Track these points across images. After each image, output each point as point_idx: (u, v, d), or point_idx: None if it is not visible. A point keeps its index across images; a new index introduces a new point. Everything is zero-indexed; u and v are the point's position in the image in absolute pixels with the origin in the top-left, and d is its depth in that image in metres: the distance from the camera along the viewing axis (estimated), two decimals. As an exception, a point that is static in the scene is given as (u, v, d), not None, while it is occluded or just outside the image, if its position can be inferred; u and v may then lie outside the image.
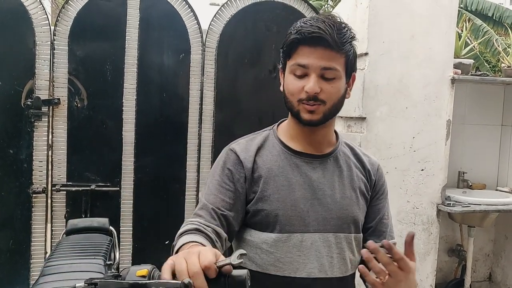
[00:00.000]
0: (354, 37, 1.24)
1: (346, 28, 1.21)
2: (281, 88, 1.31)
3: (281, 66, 1.32)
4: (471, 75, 2.87)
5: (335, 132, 1.36)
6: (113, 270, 1.19)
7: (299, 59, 1.20)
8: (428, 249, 2.71)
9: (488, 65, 7.58)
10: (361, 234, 1.30)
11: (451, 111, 2.69)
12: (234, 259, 0.84)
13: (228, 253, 1.25)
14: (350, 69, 1.25)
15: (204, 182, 2.53)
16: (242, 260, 0.85)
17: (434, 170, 2.67)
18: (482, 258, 3.36)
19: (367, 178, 1.34)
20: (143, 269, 0.90)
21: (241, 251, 0.86)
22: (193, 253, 0.85)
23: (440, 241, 2.87)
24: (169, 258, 0.88)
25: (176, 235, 1.17)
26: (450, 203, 2.70)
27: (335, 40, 1.16)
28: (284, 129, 1.35)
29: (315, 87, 1.17)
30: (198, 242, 1.07)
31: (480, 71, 3.59)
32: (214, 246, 1.15)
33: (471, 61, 2.94)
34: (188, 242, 1.06)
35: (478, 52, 6.81)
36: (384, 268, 1.02)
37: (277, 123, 1.39)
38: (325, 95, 1.19)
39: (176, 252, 1.06)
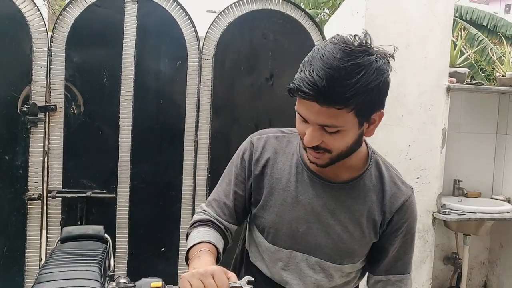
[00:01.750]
0: (374, 81, 1.01)
1: (362, 72, 0.99)
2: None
3: None
4: (466, 83, 2.89)
5: (368, 153, 1.22)
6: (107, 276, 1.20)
7: (299, 108, 1.06)
8: (423, 257, 2.71)
9: (483, 73, 7.63)
10: (359, 263, 1.25)
11: (446, 120, 2.70)
12: (244, 283, 0.93)
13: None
14: (368, 114, 1.06)
15: (201, 189, 2.53)
16: (252, 286, 0.94)
17: (429, 178, 2.68)
18: (477, 266, 3.36)
19: (383, 211, 1.20)
20: (157, 282, 0.94)
21: (249, 277, 0.95)
22: (208, 275, 0.94)
23: (436, 249, 2.88)
24: (183, 278, 0.95)
25: (190, 223, 1.26)
26: (445, 211, 2.71)
27: (332, 98, 0.98)
28: None
29: (312, 142, 1.06)
30: (210, 242, 1.13)
31: (475, 79, 3.62)
32: (224, 236, 1.23)
33: (466, 70, 2.96)
34: (201, 242, 1.13)
35: (473, 61, 6.86)
36: None
37: None
38: (328, 145, 1.07)
39: (189, 249, 1.14)
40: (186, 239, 1.22)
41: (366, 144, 1.22)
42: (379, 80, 1.02)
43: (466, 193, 3.12)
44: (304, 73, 1.01)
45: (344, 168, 1.18)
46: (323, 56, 1.00)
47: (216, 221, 1.23)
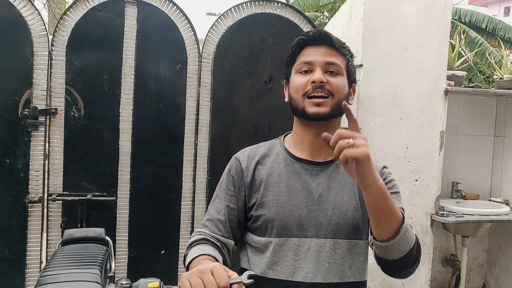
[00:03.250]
0: (352, 54, 1.33)
1: (344, 42, 1.32)
2: (286, 99, 1.35)
3: (285, 80, 1.37)
4: (464, 86, 2.91)
5: None
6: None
7: (304, 58, 1.27)
8: (422, 259, 2.70)
9: (483, 76, 7.66)
10: (366, 240, 1.30)
11: (444, 122, 2.72)
12: (244, 278, 0.93)
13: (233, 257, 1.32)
14: (351, 77, 1.32)
15: (200, 191, 2.55)
16: (252, 280, 0.94)
17: (428, 180, 2.70)
18: (476, 268, 3.38)
19: None
20: (155, 282, 0.95)
21: (250, 272, 0.95)
22: (207, 272, 0.93)
23: (434, 251, 2.89)
24: (183, 277, 0.95)
25: (186, 246, 1.27)
26: (444, 213, 2.72)
27: (337, 42, 1.27)
28: (290, 138, 1.38)
29: (321, 77, 1.23)
30: (208, 254, 1.15)
31: (473, 82, 3.65)
32: (221, 253, 1.24)
33: (464, 73, 2.98)
34: (199, 255, 1.15)
35: (472, 63, 6.88)
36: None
37: (284, 134, 1.42)
38: (332, 87, 1.24)
39: (189, 264, 1.15)
40: (184, 263, 1.23)
41: None
42: (353, 54, 1.33)
43: (465, 195, 3.13)
44: (303, 33, 1.29)
45: (329, 148, 1.27)
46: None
47: (212, 239, 1.25)
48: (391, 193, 1.30)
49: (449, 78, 2.78)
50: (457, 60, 3.03)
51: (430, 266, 2.76)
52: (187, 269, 1.15)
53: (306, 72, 1.26)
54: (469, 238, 3.04)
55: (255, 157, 1.33)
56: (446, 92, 2.69)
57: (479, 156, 3.25)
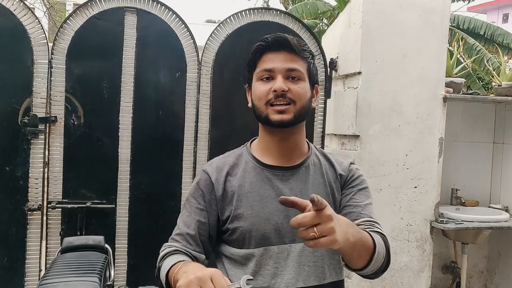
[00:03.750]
0: (313, 53, 1.33)
1: (306, 44, 1.31)
2: (249, 104, 1.34)
3: (247, 85, 1.35)
4: (463, 93, 2.92)
5: (307, 141, 1.38)
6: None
7: (264, 65, 1.25)
8: (422, 266, 2.72)
9: (481, 82, 7.67)
10: None
11: (443, 129, 2.72)
12: (243, 284, 0.92)
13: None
14: (313, 79, 1.31)
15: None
16: (251, 285, 0.93)
17: (427, 187, 2.70)
18: (476, 275, 3.37)
19: (339, 179, 1.34)
20: None
21: (248, 276, 0.94)
22: (206, 279, 0.92)
23: (434, 258, 2.89)
24: (181, 286, 0.93)
25: (159, 259, 1.25)
26: (443, 220, 2.72)
27: (297, 46, 1.25)
28: (256, 144, 1.37)
29: (282, 85, 1.22)
30: (186, 261, 1.13)
31: (471, 89, 3.66)
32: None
33: (463, 79, 2.99)
34: (178, 262, 1.13)
35: (471, 70, 6.90)
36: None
37: (250, 140, 1.41)
38: (293, 95, 1.23)
39: (168, 271, 1.13)
40: (157, 275, 1.21)
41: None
42: (313, 55, 1.32)
43: (464, 202, 3.13)
44: (262, 38, 1.27)
45: (296, 152, 1.33)
46: (272, 34, 1.28)
47: (183, 251, 1.23)
48: (360, 189, 1.34)
49: (447, 85, 2.79)
50: (456, 67, 3.04)
51: (430, 273, 2.75)
52: (167, 279, 1.13)
53: (267, 79, 1.25)
54: (469, 245, 3.04)
55: (224, 169, 1.31)
56: (445, 99, 2.70)
57: (478, 162, 3.25)
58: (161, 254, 1.25)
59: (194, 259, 1.23)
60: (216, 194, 1.28)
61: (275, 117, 1.24)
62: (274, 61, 1.25)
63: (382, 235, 1.21)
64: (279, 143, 1.30)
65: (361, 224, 1.24)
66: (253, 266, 1.24)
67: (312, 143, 2.55)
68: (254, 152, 1.34)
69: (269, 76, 1.25)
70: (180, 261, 1.13)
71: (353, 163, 1.40)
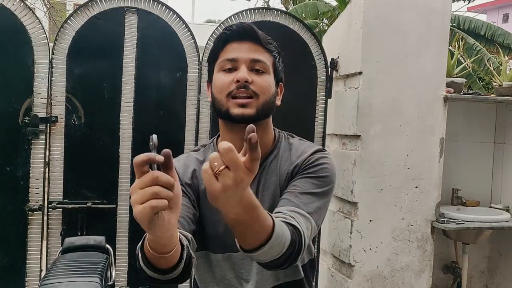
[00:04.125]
0: (279, 50, 1.26)
1: (270, 38, 1.25)
2: (209, 99, 1.28)
3: (207, 79, 1.29)
4: (463, 93, 2.92)
5: (276, 133, 1.31)
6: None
7: (227, 54, 1.18)
8: (423, 266, 2.72)
9: (482, 82, 7.68)
10: None
11: (444, 129, 2.72)
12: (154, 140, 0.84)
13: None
14: (278, 75, 1.24)
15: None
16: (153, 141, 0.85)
17: (428, 187, 2.70)
18: (477, 275, 3.37)
19: (293, 171, 1.22)
20: None
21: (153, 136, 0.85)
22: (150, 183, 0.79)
23: (435, 258, 2.89)
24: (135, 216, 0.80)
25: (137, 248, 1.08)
26: (444, 220, 2.72)
27: (263, 38, 1.19)
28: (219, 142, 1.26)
29: (245, 75, 1.14)
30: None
31: (472, 89, 3.66)
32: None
33: (463, 80, 2.99)
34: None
35: (471, 70, 6.90)
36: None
37: (217, 135, 1.33)
38: (257, 87, 1.16)
39: (142, 247, 0.99)
40: (138, 264, 1.06)
41: (275, 129, 1.33)
42: (279, 50, 1.25)
43: (465, 202, 3.13)
44: (230, 26, 1.19)
45: (260, 149, 1.21)
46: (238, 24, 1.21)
47: None
48: (310, 176, 1.17)
49: (448, 85, 2.78)
50: (456, 67, 3.04)
51: (431, 273, 2.75)
52: (145, 261, 0.98)
53: (230, 70, 1.17)
54: (469, 245, 3.04)
55: (191, 165, 1.24)
56: (446, 99, 2.70)
57: (479, 162, 3.25)
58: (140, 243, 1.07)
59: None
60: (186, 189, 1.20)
61: (236, 110, 1.15)
62: (238, 50, 1.17)
63: (294, 228, 1.03)
64: (240, 143, 1.09)
65: (281, 213, 1.08)
66: (218, 271, 1.22)
67: (314, 143, 2.58)
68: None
69: (232, 67, 1.17)
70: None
71: (321, 151, 1.25)
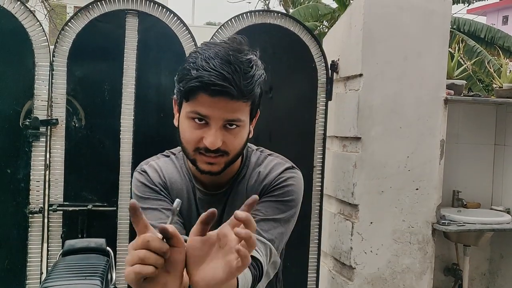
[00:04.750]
0: (263, 75, 1.11)
1: (254, 67, 1.08)
2: (175, 122, 1.17)
3: (175, 96, 1.15)
4: (464, 95, 2.92)
5: (247, 150, 1.25)
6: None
7: (198, 108, 1.04)
8: (424, 268, 2.72)
9: (481, 84, 7.68)
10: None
11: (444, 131, 2.72)
12: (175, 206, 0.83)
13: None
14: (255, 111, 1.16)
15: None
16: (180, 201, 0.83)
17: (428, 189, 2.70)
18: (478, 277, 3.36)
19: (263, 186, 1.19)
20: None
21: (179, 200, 0.84)
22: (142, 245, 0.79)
23: (436, 260, 2.88)
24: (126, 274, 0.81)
25: None
26: (445, 222, 2.72)
27: (241, 90, 1.02)
28: None
29: (216, 142, 1.05)
30: None
31: (472, 91, 3.66)
32: None
33: (464, 82, 2.99)
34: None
35: (471, 72, 6.91)
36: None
37: None
38: (228, 147, 1.08)
39: None
40: None
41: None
42: (263, 75, 1.11)
43: (466, 204, 3.13)
44: (204, 70, 1.01)
45: (226, 179, 1.19)
46: (216, 54, 1.04)
47: None
48: (274, 200, 1.15)
49: (448, 87, 2.79)
50: (457, 69, 3.04)
51: (431, 276, 2.75)
52: None
53: (200, 121, 1.06)
54: (470, 247, 3.03)
55: (163, 173, 1.21)
56: (446, 101, 2.70)
57: (479, 164, 3.25)
58: None
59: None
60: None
61: (204, 166, 1.10)
62: (211, 107, 1.03)
63: (254, 260, 1.03)
64: (206, 178, 1.18)
65: None
66: None
67: (313, 145, 2.58)
68: (188, 164, 1.21)
69: (202, 119, 1.05)
70: None
71: (290, 169, 1.21)
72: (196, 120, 1.06)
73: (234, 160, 1.13)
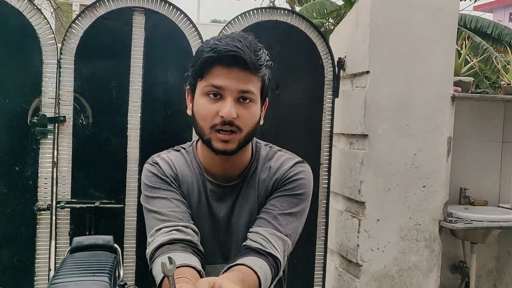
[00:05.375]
0: (269, 61, 1.18)
1: (262, 51, 1.16)
2: (189, 112, 1.23)
3: (189, 86, 1.22)
4: (471, 92, 2.90)
5: (255, 145, 1.30)
6: None
7: (214, 80, 1.11)
8: (431, 266, 2.71)
9: (488, 81, 7.64)
10: None
11: (451, 128, 2.71)
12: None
13: None
14: (265, 94, 1.21)
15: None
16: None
17: (435, 186, 2.69)
18: (485, 275, 3.35)
19: (274, 186, 1.24)
20: None
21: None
22: None
23: (443, 257, 2.87)
24: None
25: (151, 249, 1.14)
26: (452, 220, 2.71)
27: (253, 61, 1.10)
28: (200, 150, 1.28)
29: (231, 112, 1.09)
30: (186, 265, 1.03)
31: (480, 88, 3.64)
32: (195, 253, 1.12)
33: (471, 78, 2.97)
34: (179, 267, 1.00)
35: (478, 69, 6.87)
36: None
37: (195, 141, 1.32)
38: (241, 122, 1.12)
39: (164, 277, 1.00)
40: (151, 270, 1.12)
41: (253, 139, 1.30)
42: (270, 62, 1.18)
43: (473, 202, 3.11)
44: (215, 44, 1.10)
45: (238, 168, 1.23)
46: (227, 36, 1.13)
47: (180, 234, 1.13)
48: (287, 194, 1.20)
49: (456, 84, 2.77)
50: (464, 66, 3.03)
51: (439, 273, 2.74)
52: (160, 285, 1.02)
53: (215, 95, 1.11)
54: (478, 244, 3.02)
55: (174, 166, 1.25)
56: (453, 98, 2.69)
57: (487, 162, 3.23)
58: (156, 243, 1.15)
59: (194, 232, 1.15)
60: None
61: (218, 145, 1.13)
62: (225, 78, 1.10)
63: (272, 257, 1.11)
64: (219, 163, 1.21)
65: (259, 234, 1.14)
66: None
67: (320, 143, 2.58)
68: (199, 157, 1.27)
69: (218, 93, 1.11)
70: (184, 265, 1.03)
71: (300, 163, 1.27)
72: (211, 95, 1.11)
73: (247, 139, 1.17)
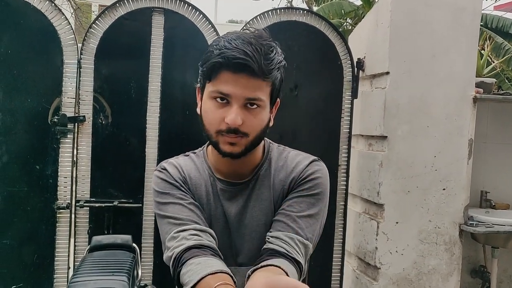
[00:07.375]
0: (282, 61, 1.16)
1: (274, 52, 1.12)
2: (198, 111, 1.22)
3: (199, 85, 1.21)
4: (493, 94, 2.85)
5: (266, 144, 1.29)
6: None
7: (220, 86, 1.09)
8: (451, 270, 2.67)
9: (510, 82, 7.50)
10: None
11: (473, 130, 2.67)
12: None
13: None
14: (275, 97, 1.19)
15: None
16: None
17: (456, 189, 2.64)
18: (506, 280, 3.29)
19: (290, 185, 1.24)
20: None
21: None
22: None
23: (463, 261, 2.83)
24: None
25: (176, 253, 1.13)
26: (473, 223, 2.66)
27: (262, 67, 1.07)
28: (210, 152, 1.28)
29: (237, 120, 1.08)
30: (220, 272, 1.03)
31: (502, 89, 3.57)
32: (220, 257, 1.14)
33: (493, 80, 2.92)
34: (208, 275, 1.01)
35: (499, 70, 6.75)
36: None
37: (206, 145, 1.32)
38: (248, 128, 1.11)
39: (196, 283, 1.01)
40: (176, 272, 1.13)
41: (265, 140, 1.29)
42: (283, 62, 1.15)
43: (494, 205, 3.06)
44: (226, 48, 1.06)
45: (248, 169, 1.23)
46: (238, 37, 1.09)
47: (202, 237, 1.13)
48: (305, 195, 1.18)
49: (477, 85, 2.73)
50: (486, 67, 2.97)
51: (459, 278, 2.70)
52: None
53: (222, 100, 1.10)
54: (499, 249, 2.97)
55: (183, 171, 1.26)
56: (475, 99, 2.64)
57: (508, 164, 3.17)
58: (182, 247, 1.13)
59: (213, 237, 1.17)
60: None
61: (225, 147, 1.14)
62: (232, 85, 1.07)
63: (297, 263, 1.10)
64: (228, 162, 1.21)
65: (280, 239, 1.12)
66: None
67: (339, 144, 2.56)
68: (209, 159, 1.27)
69: (224, 98, 1.10)
70: (211, 273, 1.02)
71: (316, 161, 1.26)
72: (218, 100, 1.10)
73: (255, 143, 1.16)
